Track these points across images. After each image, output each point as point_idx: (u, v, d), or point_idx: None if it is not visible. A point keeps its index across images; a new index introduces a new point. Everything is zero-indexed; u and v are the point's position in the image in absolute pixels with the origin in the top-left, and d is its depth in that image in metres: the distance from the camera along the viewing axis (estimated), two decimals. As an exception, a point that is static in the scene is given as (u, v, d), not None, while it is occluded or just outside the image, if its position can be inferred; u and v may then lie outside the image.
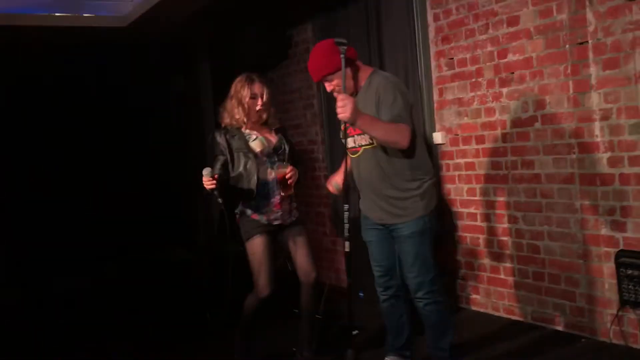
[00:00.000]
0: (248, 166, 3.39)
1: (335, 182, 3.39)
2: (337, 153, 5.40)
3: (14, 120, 5.85)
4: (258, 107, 3.43)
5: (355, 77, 3.06)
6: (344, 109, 2.72)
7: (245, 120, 3.44)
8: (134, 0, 5.23)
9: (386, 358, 3.38)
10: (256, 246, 3.41)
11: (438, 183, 4.43)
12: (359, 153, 3.10)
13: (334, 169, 5.41)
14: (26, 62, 5.67)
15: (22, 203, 5.81)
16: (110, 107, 6.43)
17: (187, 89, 7.36)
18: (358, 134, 3.06)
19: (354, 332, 4.03)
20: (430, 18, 4.43)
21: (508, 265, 4.07)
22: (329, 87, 3.09)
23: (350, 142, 3.11)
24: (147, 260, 5.92)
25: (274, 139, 3.52)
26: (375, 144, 3.00)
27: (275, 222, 3.45)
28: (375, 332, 4.06)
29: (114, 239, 6.06)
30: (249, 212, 3.43)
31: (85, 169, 6.23)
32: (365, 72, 3.10)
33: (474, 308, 4.34)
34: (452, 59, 4.28)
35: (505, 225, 4.04)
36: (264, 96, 3.45)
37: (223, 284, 5.38)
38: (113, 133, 6.42)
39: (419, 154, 3.04)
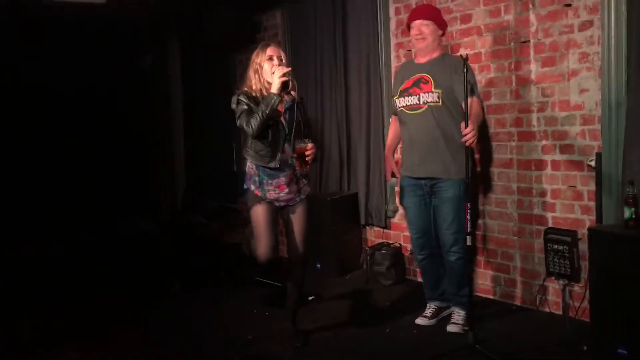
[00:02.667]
0: (274, 135, 3.36)
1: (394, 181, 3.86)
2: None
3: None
4: (274, 68, 3.34)
5: (434, 47, 3.59)
6: (473, 139, 3.22)
7: (262, 88, 3.38)
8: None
9: (429, 304, 3.84)
10: (256, 214, 3.43)
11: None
12: (422, 110, 3.53)
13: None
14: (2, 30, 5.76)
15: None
16: (80, 80, 6.54)
17: (156, 66, 7.53)
18: (425, 92, 3.52)
19: (310, 297, 4.40)
20: (392, 12, 4.77)
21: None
22: (415, 32, 3.57)
23: (412, 100, 3.57)
24: (112, 231, 6.10)
25: (284, 112, 3.42)
26: (441, 103, 3.48)
27: (277, 204, 3.46)
28: (329, 299, 4.44)
29: (80, 209, 6.22)
30: (252, 187, 3.43)
31: (54, 140, 6.34)
32: (440, 47, 3.65)
33: (420, 280, 4.73)
34: (410, 50, 4.63)
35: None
36: (281, 58, 3.42)
37: (185, 255, 5.70)
38: (82, 106, 6.53)
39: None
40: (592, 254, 3.18)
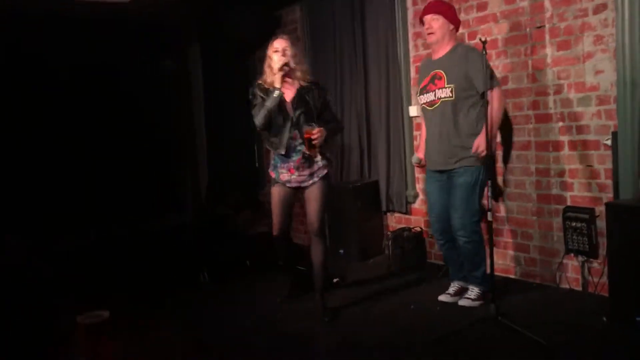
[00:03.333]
0: (280, 123, 3.65)
1: (417, 157, 3.98)
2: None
3: (11, 88, 6.09)
4: (280, 59, 3.59)
5: (446, 40, 3.72)
6: (480, 147, 3.48)
7: (271, 80, 3.64)
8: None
9: (452, 283, 3.99)
10: (272, 195, 3.86)
11: (412, 152, 4.95)
12: (437, 105, 3.70)
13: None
14: (24, 30, 5.94)
15: (22, 170, 6.06)
16: (106, 80, 6.72)
17: (179, 66, 7.71)
18: (439, 88, 3.68)
19: (335, 280, 4.54)
20: (409, 2, 4.91)
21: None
22: (426, 26, 3.75)
23: (429, 97, 3.74)
24: (140, 227, 6.25)
25: (292, 100, 3.67)
26: (454, 97, 3.63)
27: (289, 185, 3.77)
28: (352, 282, 4.58)
29: (108, 206, 6.39)
30: (270, 170, 3.84)
31: (80, 141, 6.50)
32: (452, 41, 3.75)
33: (441, 262, 4.85)
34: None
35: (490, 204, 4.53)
36: (287, 50, 3.64)
37: (214, 246, 5.84)
38: (107, 107, 6.70)
39: (481, 111, 3.58)
40: (609, 227, 3.29)
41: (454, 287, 3.95)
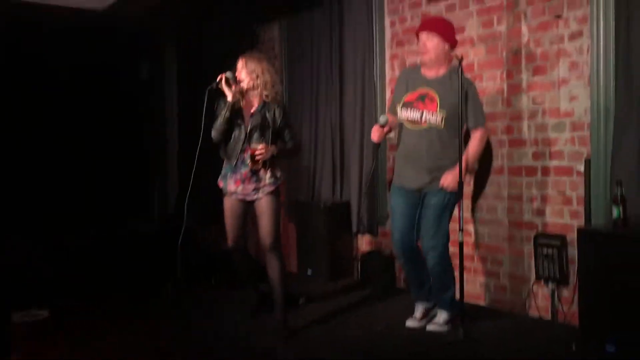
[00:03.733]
0: (235, 135, 3.76)
1: (385, 117, 3.68)
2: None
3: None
4: (239, 78, 3.74)
5: (441, 61, 3.56)
6: (449, 185, 3.48)
7: (237, 94, 3.74)
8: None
9: (417, 305, 3.86)
10: (224, 206, 3.88)
11: (384, 173, 4.90)
12: (423, 128, 3.56)
13: (291, 162, 5.78)
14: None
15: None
16: (78, 85, 6.62)
17: (153, 75, 7.63)
18: (430, 111, 3.53)
19: (301, 300, 4.42)
20: (387, 23, 4.90)
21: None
22: (420, 44, 3.57)
23: (415, 114, 3.58)
24: (104, 232, 6.11)
25: (250, 116, 3.76)
26: (443, 125, 3.52)
27: (234, 197, 3.81)
28: (319, 302, 4.46)
29: (74, 210, 6.27)
30: (220, 177, 3.87)
31: (49, 144, 6.40)
32: (448, 62, 3.59)
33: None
34: (405, 61, 4.75)
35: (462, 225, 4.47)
36: (245, 68, 3.74)
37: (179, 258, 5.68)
38: (78, 111, 6.60)
39: (456, 138, 3.49)
40: (580, 253, 3.25)
41: (419, 310, 3.84)
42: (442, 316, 3.69)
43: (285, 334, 3.65)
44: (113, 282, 5.07)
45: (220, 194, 3.92)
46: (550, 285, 3.79)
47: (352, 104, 5.16)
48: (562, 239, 3.70)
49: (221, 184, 3.85)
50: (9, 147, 6.18)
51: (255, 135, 3.73)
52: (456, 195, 3.51)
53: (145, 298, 4.66)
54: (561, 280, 3.72)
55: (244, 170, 3.73)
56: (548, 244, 3.75)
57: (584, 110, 3.64)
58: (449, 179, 3.49)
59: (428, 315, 3.80)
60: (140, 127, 7.54)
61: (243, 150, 3.73)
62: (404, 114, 3.64)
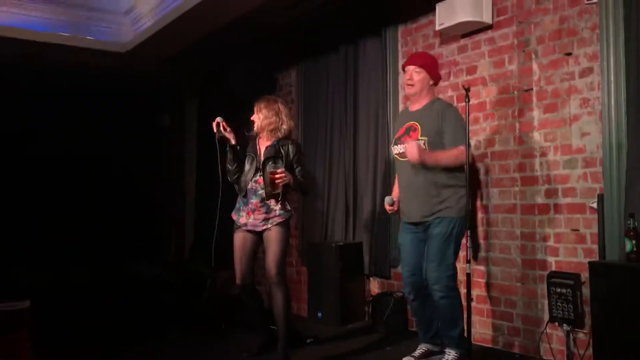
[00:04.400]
0: (247, 168, 3.94)
1: (390, 198, 3.83)
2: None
3: (15, 129, 6.20)
4: (253, 119, 4.01)
5: (424, 94, 3.70)
6: (411, 152, 3.40)
7: (256, 131, 4.02)
8: (135, 30, 5.71)
9: (420, 345, 3.76)
10: (234, 240, 3.95)
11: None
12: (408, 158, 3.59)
13: (304, 205, 5.81)
14: (27, 75, 6.06)
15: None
16: (100, 129, 6.80)
17: (174, 124, 7.79)
18: (411, 140, 3.58)
19: (309, 340, 4.32)
20: (400, 66, 4.95)
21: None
22: (407, 77, 3.72)
23: (401, 148, 3.66)
24: (115, 271, 6.12)
25: (265, 148, 3.94)
26: (427, 149, 3.54)
27: (245, 228, 3.88)
28: (327, 342, 4.35)
29: (89, 248, 6.34)
30: (233, 211, 3.96)
31: (70, 185, 6.56)
32: (430, 95, 3.73)
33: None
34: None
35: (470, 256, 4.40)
36: (260, 112, 3.98)
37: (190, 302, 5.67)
38: (99, 152, 6.76)
39: (457, 167, 3.51)
40: (593, 289, 3.13)
41: (420, 349, 3.72)
42: (449, 355, 3.55)
43: None
44: (123, 321, 5.04)
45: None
46: (565, 327, 3.64)
47: (366, 146, 5.18)
48: (576, 277, 3.58)
49: (234, 217, 3.95)
50: (35, 193, 6.36)
51: (270, 164, 3.81)
52: (461, 225, 3.44)
53: (152, 337, 4.66)
54: (576, 322, 3.57)
55: (255, 200, 3.84)
56: (561, 283, 3.63)
57: (596, 146, 3.60)
58: (412, 147, 3.43)
59: (428, 357, 3.66)
60: (159, 174, 7.67)
61: (255, 181, 3.85)
62: (394, 150, 3.75)
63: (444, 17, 4.29)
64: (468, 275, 3.30)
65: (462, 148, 3.49)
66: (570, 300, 3.57)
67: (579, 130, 3.70)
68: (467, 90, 3.30)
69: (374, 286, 5.14)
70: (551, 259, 3.81)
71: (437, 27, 4.35)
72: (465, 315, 3.43)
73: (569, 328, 3.62)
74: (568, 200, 3.74)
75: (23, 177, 6.49)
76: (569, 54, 3.76)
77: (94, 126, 6.90)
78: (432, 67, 3.74)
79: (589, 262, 3.23)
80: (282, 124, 3.99)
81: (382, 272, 4.99)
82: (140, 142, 7.41)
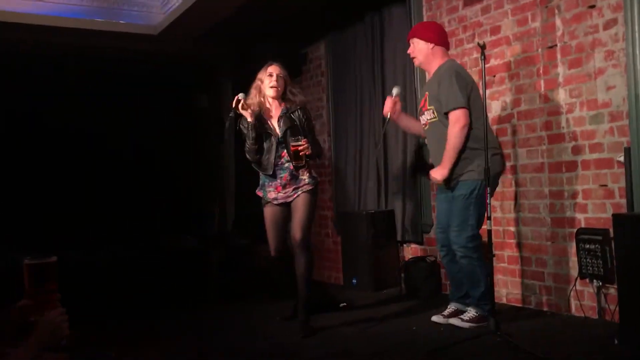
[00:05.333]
0: (266, 146, 3.84)
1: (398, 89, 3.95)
2: (342, 159, 5.87)
3: (57, 113, 6.47)
4: (271, 83, 3.84)
5: (431, 60, 3.73)
6: (435, 179, 3.61)
7: (260, 102, 3.86)
8: (165, 12, 5.84)
9: (450, 304, 3.83)
10: (265, 216, 3.94)
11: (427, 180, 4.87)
12: (428, 127, 3.74)
13: (338, 175, 5.89)
14: (62, 61, 6.30)
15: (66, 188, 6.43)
16: (140, 112, 7.03)
17: (210, 103, 7.95)
18: (426, 110, 3.72)
19: (342, 305, 4.42)
20: (425, 31, 4.93)
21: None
22: (410, 50, 3.80)
23: (424, 118, 3.78)
24: (159, 247, 6.35)
25: (278, 121, 3.86)
26: (436, 118, 3.66)
27: (276, 203, 3.89)
28: (360, 307, 4.44)
29: (135, 225, 6.62)
30: (258, 191, 3.97)
31: (116, 167, 6.83)
32: (443, 59, 3.73)
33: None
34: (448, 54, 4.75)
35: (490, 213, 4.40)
36: (279, 74, 3.87)
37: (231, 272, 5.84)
38: (141, 134, 7.00)
39: (475, 129, 3.55)
40: (618, 241, 3.11)
41: (449, 308, 3.78)
42: (469, 313, 3.60)
43: (306, 332, 3.66)
44: (164, 290, 5.27)
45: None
46: (595, 283, 3.62)
47: (395, 113, 5.18)
48: (605, 233, 3.55)
49: (261, 194, 3.96)
50: (84, 177, 6.65)
51: (289, 136, 3.81)
52: (484, 187, 3.45)
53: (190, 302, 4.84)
54: (606, 278, 3.55)
55: (284, 174, 3.82)
56: (590, 239, 3.61)
57: (622, 99, 3.53)
58: (434, 173, 3.60)
59: (456, 315, 3.71)
60: (199, 153, 7.87)
61: (279, 156, 3.82)
62: (422, 119, 3.83)
63: (465, -22, 4.25)
64: (489, 232, 3.31)
65: (456, 113, 3.50)
66: (599, 256, 3.55)
67: (604, 84, 3.63)
68: (483, 47, 3.28)
69: (408, 252, 5.19)
70: (580, 216, 3.78)
71: (460, -11, 4.32)
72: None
73: (599, 284, 3.60)
74: (595, 155, 3.69)
75: (71, 161, 6.77)
76: (593, 7, 3.68)
77: (134, 109, 7.12)
78: (422, 33, 3.75)
79: (613, 215, 3.20)
80: (294, 88, 3.98)
81: (415, 238, 5.03)
82: (179, 123, 7.62)
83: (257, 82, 3.91)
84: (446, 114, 3.57)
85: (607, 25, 3.60)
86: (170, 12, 5.74)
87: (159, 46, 6.34)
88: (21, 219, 6.16)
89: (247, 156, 3.88)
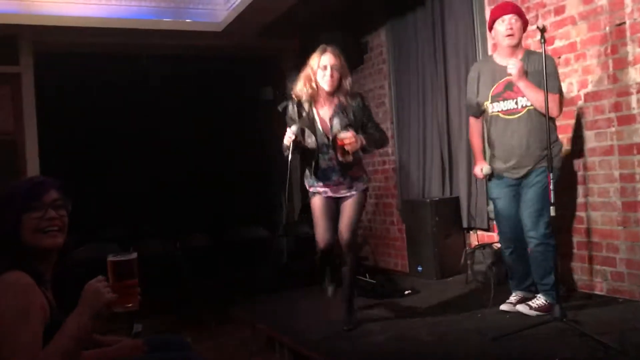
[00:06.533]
0: (310, 144, 3.54)
1: (484, 167, 3.77)
2: (405, 146, 5.86)
3: (131, 111, 6.79)
4: (325, 77, 3.48)
5: (519, 44, 3.65)
6: (515, 67, 3.44)
7: (311, 95, 3.54)
8: (228, 7, 6.00)
9: (515, 292, 3.79)
10: (312, 206, 3.69)
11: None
12: (521, 114, 3.58)
13: (402, 162, 5.89)
14: (131, 64, 6.58)
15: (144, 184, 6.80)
16: (210, 107, 7.28)
17: (277, 96, 8.09)
18: (521, 96, 3.57)
19: (406, 292, 4.46)
20: (487, 13, 4.85)
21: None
22: (508, 26, 3.59)
23: (509, 105, 3.60)
24: (232, 237, 6.55)
25: (330, 118, 3.55)
26: (532, 106, 3.54)
27: (325, 195, 3.65)
28: (425, 295, 4.46)
29: (208, 216, 6.88)
30: (306, 183, 3.72)
31: (187, 161, 7.10)
32: (522, 48, 3.69)
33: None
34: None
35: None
36: (333, 65, 3.48)
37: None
38: (212, 129, 7.27)
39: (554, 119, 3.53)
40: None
41: (515, 296, 3.74)
42: (539, 300, 3.56)
43: (349, 325, 3.63)
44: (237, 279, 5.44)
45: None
46: (670, 268, 3.50)
47: (457, 99, 5.13)
48: (680, 216, 3.42)
49: (308, 185, 3.73)
50: (161, 173, 6.95)
51: (340, 131, 3.47)
52: (558, 175, 3.40)
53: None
54: (682, 263, 3.42)
55: (336, 177, 3.58)
56: (664, 223, 3.48)
57: (697, 76, 3.37)
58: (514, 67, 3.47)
59: (524, 303, 3.66)
60: (267, 145, 8.04)
61: (330, 159, 3.55)
62: (496, 107, 3.65)
63: (526, -42, 4.14)
64: (552, 219, 3.25)
65: (556, 96, 3.46)
66: (675, 241, 3.42)
67: (677, 61, 3.48)
68: (543, 30, 3.21)
69: (474, 239, 5.14)
70: (653, 200, 3.65)
71: (520, -31, 4.22)
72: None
73: (675, 270, 3.47)
74: (668, 136, 3.55)
75: (147, 157, 7.06)
76: (663, -20, 3.52)
77: (203, 105, 7.34)
78: (524, 15, 3.69)
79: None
80: (349, 80, 3.57)
81: (481, 225, 4.98)
82: (247, 116, 7.80)
83: (308, 71, 3.54)
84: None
85: (680, -1, 3.45)
86: (233, 8, 5.88)
87: (224, 41, 6.51)
88: (104, 212, 6.48)
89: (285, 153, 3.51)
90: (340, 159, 3.47)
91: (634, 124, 3.73)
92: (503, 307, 3.70)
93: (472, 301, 4.13)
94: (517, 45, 3.64)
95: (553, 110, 3.42)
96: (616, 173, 3.87)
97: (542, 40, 3.21)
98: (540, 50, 3.42)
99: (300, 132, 3.50)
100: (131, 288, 1.86)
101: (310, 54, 3.63)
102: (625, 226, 3.83)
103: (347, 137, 3.39)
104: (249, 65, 7.50)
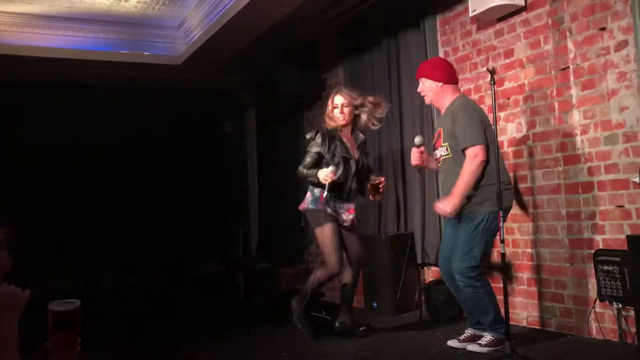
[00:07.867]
0: (347, 169, 4.10)
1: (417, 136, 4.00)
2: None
3: (84, 143, 6.68)
4: (338, 116, 4.15)
5: (441, 97, 3.77)
6: (443, 212, 3.59)
7: (334, 127, 4.16)
8: (187, 42, 6.03)
9: (467, 330, 3.83)
10: (328, 232, 4.05)
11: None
12: (441, 163, 3.75)
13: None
14: (88, 94, 6.52)
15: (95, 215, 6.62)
16: (167, 139, 7.23)
17: (235, 130, 8.12)
18: (440, 147, 3.73)
19: (361, 328, 4.44)
20: (441, 55, 5.00)
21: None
22: (420, 90, 3.86)
23: (437, 153, 3.80)
24: (187, 270, 6.46)
25: (357, 148, 4.24)
26: (450, 155, 3.67)
27: (345, 224, 4.14)
28: (380, 331, 4.46)
29: (162, 251, 6.77)
30: (327, 209, 4.05)
31: (143, 191, 7.00)
32: (453, 95, 3.75)
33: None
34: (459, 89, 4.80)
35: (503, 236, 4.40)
36: (344, 104, 4.16)
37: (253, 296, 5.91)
38: (169, 161, 7.19)
39: (489, 165, 3.57)
40: (633, 262, 3.09)
41: (466, 333, 3.77)
42: (485, 338, 3.59)
43: (365, 333, 4.20)
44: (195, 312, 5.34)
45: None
46: (615, 305, 3.59)
47: (411, 136, 5.19)
48: (623, 254, 3.51)
49: (327, 208, 4.07)
50: (109, 204, 6.83)
51: (362, 167, 4.20)
52: (492, 220, 3.49)
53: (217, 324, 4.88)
54: (625, 300, 3.51)
55: (353, 205, 4.19)
56: (608, 261, 3.58)
57: (636, 120, 3.53)
58: (443, 205, 3.56)
59: (473, 340, 3.70)
60: (224, 178, 8.03)
61: (356, 183, 4.16)
62: (435, 157, 3.85)
63: (476, 4, 4.31)
64: (502, 255, 3.32)
65: (474, 149, 3.50)
66: (618, 278, 3.52)
67: (617, 105, 3.64)
68: (492, 72, 3.33)
69: (429, 275, 5.19)
70: (598, 237, 3.77)
71: (471, 14, 4.38)
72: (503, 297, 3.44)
73: (619, 306, 3.56)
74: (611, 176, 3.68)
75: (100, 189, 6.95)
76: (603, 29, 3.70)
77: (160, 137, 7.30)
78: (429, 72, 3.78)
79: (628, 237, 3.19)
80: (367, 112, 4.27)
81: (435, 261, 5.03)
82: (205, 149, 7.78)
83: (327, 109, 4.20)
84: (463, 150, 3.54)
85: (619, 47, 3.63)
86: (192, 42, 5.91)
87: (183, 75, 6.52)
88: (54, 245, 6.32)
89: (299, 175, 4.15)
90: (371, 198, 4.14)
91: (579, 164, 3.88)
92: (450, 342, 3.74)
93: (426, 338, 4.13)
94: (439, 100, 3.80)
95: (480, 168, 3.50)
96: (563, 211, 3.99)
97: (492, 82, 3.33)
98: (458, 102, 3.68)
99: (335, 168, 4.00)
100: (70, 339, 1.80)
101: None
102: (572, 263, 3.94)
103: (381, 179, 4.07)
104: (208, 99, 7.52)
